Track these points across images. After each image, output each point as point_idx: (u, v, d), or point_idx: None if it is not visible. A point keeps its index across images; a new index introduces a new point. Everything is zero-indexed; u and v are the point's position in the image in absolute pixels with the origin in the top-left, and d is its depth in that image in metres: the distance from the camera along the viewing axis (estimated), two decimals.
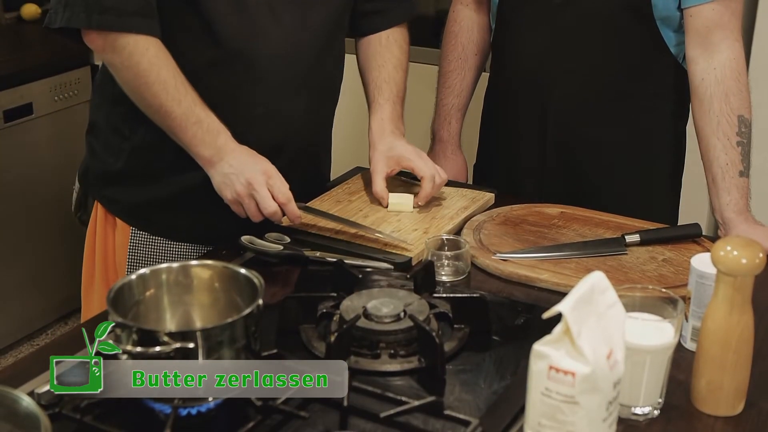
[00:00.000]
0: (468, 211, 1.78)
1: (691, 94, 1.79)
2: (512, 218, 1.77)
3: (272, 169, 1.62)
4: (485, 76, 2.08)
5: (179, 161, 1.67)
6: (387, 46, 1.91)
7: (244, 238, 1.61)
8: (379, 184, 1.77)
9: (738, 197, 1.74)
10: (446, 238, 1.61)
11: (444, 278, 1.55)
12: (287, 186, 1.61)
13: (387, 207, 1.76)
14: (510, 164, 2.00)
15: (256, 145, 1.66)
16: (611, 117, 1.89)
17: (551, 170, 1.94)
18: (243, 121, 1.68)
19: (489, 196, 1.85)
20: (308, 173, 1.86)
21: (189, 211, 1.76)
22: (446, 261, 1.56)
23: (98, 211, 1.81)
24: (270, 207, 1.59)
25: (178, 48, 1.62)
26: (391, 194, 1.77)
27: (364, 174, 1.95)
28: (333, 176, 2.00)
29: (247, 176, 1.59)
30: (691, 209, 2.09)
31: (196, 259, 1.72)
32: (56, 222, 3.25)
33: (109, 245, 1.81)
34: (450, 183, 1.90)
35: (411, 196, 1.77)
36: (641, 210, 1.83)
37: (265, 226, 1.64)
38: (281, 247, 1.60)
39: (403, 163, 1.79)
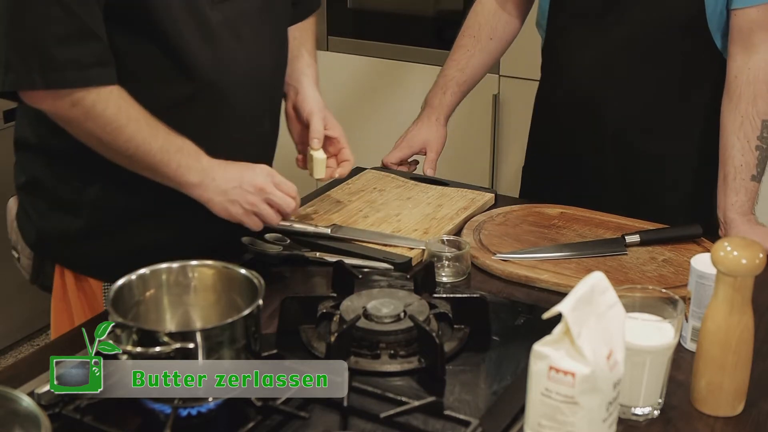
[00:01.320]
0: (468, 212, 1.78)
1: (724, 89, 1.78)
2: (512, 219, 1.77)
3: (270, 169, 1.59)
4: (528, 89, 2.04)
5: (145, 207, 1.61)
6: (299, 37, 1.83)
7: (245, 239, 1.61)
8: (318, 131, 1.72)
9: (745, 199, 1.73)
10: (446, 239, 1.61)
11: (444, 279, 1.55)
12: (290, 181, 1.59)
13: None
14: (565, 183, 1.98)
15: None
16: (670, 129, 1.88)
17: (612, 185, 1.93)
18: (217, 150, 1.57)
19: (489, 197, 1.85)
20: None
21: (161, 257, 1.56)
22: (446, 262, 1.56)
23: (64, 273, 1.67)
24: (290, 204, 1.56)
25: (145, 88, 1.53)
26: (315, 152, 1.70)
27: (363, 174, 1.95)
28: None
29: (255, 183, 1.54)
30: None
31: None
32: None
33: (89, 305, 1.69)
34: (451, 183, 1.90)
35: (323, 160, 1.71)
36: (709, 219, 1.81)
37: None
38: (281, 248, 1.60)
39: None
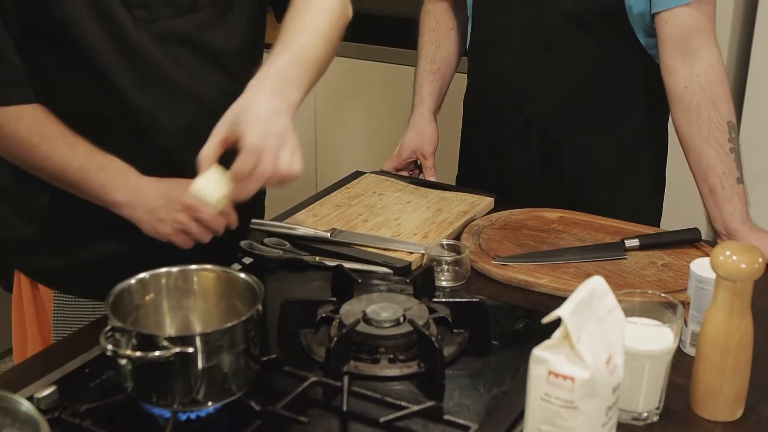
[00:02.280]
0: (467, 216, 1.78)
1: (673, 103, 1.77)
2: (512, 223, 1.77)
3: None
4: (461, 82, 2.07)
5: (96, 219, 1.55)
6: (303, 9, 1.56)
7: (243, 243, 1.61)
8: (207, 147, 1.36)
9: (740, 206, 1.72)
10: (446, 243, 1.61)
11: (444, 283, 1.55)
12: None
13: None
14: (496, 171, 1.99)
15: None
16: (591, 120, 1.89)
17: (538, 176, 1.94)
18: (153, 171, 1.53)
19: (488, 201, 1.85)
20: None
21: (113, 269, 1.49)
22: (446, 266, 1.56)
23: (21, 278, 1.66)
24: (220, 223, 1.49)
25: (71, 106, 1.48)
26: (200, 178, 1.37)
27: (363, 178, 1.95)
28: (332, 181, 2.00)
29: (182, 201, 1.47)
30: (682, 214, 2.08)
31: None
32: None
33: (40, 312, 1.67)
34: (450, 187, 1.90)
35: (222, 184, 1.36)
36: (627, 211, 1.83)
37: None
38: (280, 252, 1.61)
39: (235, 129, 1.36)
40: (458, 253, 1.58)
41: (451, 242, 1.62)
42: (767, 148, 2.48)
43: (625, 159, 1.93)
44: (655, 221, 1.99)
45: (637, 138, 1.92)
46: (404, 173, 2.02)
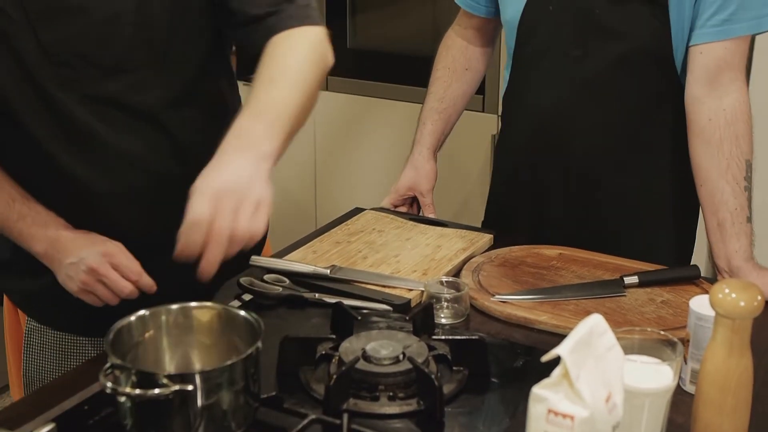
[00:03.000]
0: (467, 253, 1.78)
1: (694, 134, 1.77)
2: (511, 260, 1.78)
3: (114, 248, 1.51)
4: (484, 119, 2.09)
5: None
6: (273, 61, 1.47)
7: (243, 280, 1.61)
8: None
9: (747, 244, 1.73)
10: (446, 280, 1.61)
11: (443, 320, 1.55)
12: (135, 261, 1.51)
13: None
14: (530, 214, 1.99)
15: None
16: (632, 164, 1.89)
17: (575, 220, 1.94)
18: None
19: (488, 237, 1.86)
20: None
21: (70, 301, 1.57)
22: (445, 303, 1.56)
23: (6, 304, 1.72)
24: (124, 288, 1.49)
25: (13, 173, 1.53)
26: None
27: (363, 215, 1.96)
28: (331, 217, 2.01)
29: (88, 263, 1.48)
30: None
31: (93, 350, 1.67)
32: None
33: (10, 337, 1.72)
34: (449, 224, 1.91)
35: None
36: (662, 254, 1.83)
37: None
38: (280, 289, 1.61)
39: None
40: (457, 290, 1.58)
41: (450, 279, 1.62)
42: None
43: (664, 203, 1.93)
44: (686, 262, 1.99)
45: (676, 183, 1.91)
46: (402, 209, 2.03)
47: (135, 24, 1.47)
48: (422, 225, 1.91)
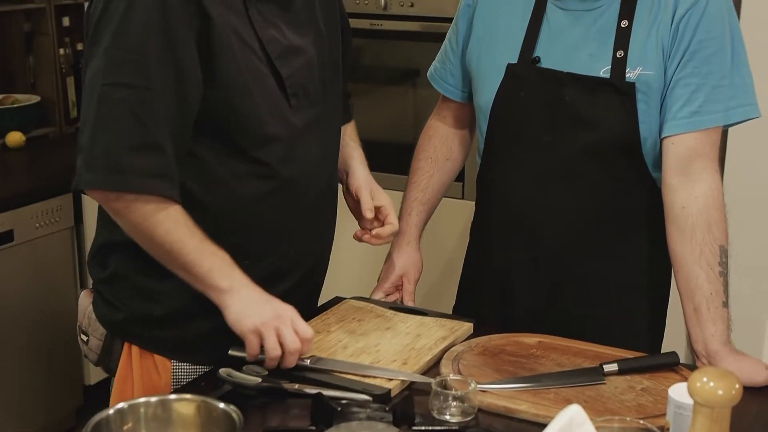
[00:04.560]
0: (447, 341, 1.78)
1: (669, 221, 1.80)
2: (491, 348, 1.78)
3: (294, 311, 1.65)
4: (463, 206, 2.11)
5: None
6: (348, 133, 2.02)
7: (222, 371, 1.60)
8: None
9: (723, 328, 1.74)
10: (453, 378, 1.59)
11: (449, 418, 1.51)
12: (309, 328, 1.64)
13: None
14: (501, 298, 1.99)
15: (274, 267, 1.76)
16: (602, 250, 1.91)
17: (545, 304, 1.94)
18: (289, 239, 1.78)
19: (467, 326, 1.86)
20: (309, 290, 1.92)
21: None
22: (453, 402, 1.53)
23: (132, 352, 1.78)
24: (294, 343, 1.60)
25: (222, 186, 1.69)
26: None
27: (343, 304, 1.96)
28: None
29: (276, 310, 1.62)
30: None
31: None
32: (35, 349, 3.23)
33: (152, 383, 1.78)
34: (429, 313, 1.91)
35: None
36: (630, 338, 1.84)
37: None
38: (260, 380, 1.60)
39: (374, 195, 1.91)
40: (465, 388, 1.53)
41: (457, 378, 1.59)
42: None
43: (636, 289, 1.94)
44: (656, 347, 2.00)
45: (645, 269, 1.93)
46: (392, 297, 2.04)
47: (319, 66, 1.81)
48: (402, 314, 1.91)
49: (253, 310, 1.62)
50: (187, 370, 1.79)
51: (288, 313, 1.63)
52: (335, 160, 1.91)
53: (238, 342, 1.64)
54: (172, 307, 1.75)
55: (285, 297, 1.69)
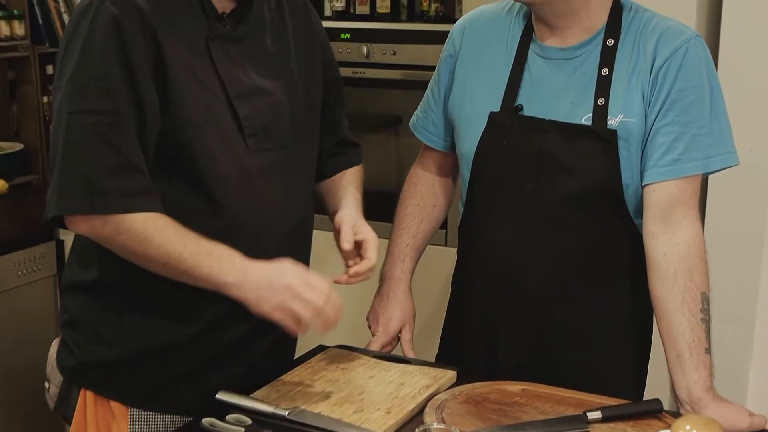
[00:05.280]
0: (430, 390, 1.78)
1: (651, 268, 1.82)
2: (474, 396, 1.77)
3: (302, 269, 1.66)
4: (447, 253, 2.11)
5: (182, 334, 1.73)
6: (347, 177, 2.02)
7: (205, 421, 1.60)
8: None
9: (706, 375, 1.75)
10: (436, 427, 1.57)
11: None
12: (323, 277, 1.66)
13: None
14: (485, 345, 1.99)
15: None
16: (585, 297, 1.91)
17: (529, 351, 1.94)
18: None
19: (451, 374, 1.86)
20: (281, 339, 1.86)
21: (201, 381, 1.76)
22: None
23: (87, 399, 1.78)
24: (317, 299, 1.62)
25: (183, 224, 1.66)
26: None
27: (327, 352, 1.95)
28: (296, 353, 2.00)
29: (283, 282, 1.62)
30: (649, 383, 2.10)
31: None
32: (13, 400, 3.20)
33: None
34: (413, 361, 1.91)
35: None
36: (613, 386, 1.84)
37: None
38: (242, 429, 1.59)
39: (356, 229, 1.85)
40: None
41: (441, 426, 1.58)
42: None
43: (616, 335, 1.95)
44: (640, 394, 1.99)
45: (628, 315, 1.94)
46: (388, 348, 2.03)
47: (290, 111, 1.81)
48: (385, 362, 1.91)
49: (265, 292, 1.62)
50: (147, 418, 1.76)
51: (296, 280, 1.62)
52: (306, 205, 1.89)
53: (204, 389, 1.65)
54: (127, 351, 1.74)
55: (250, 341, 1.73)
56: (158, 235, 1.60)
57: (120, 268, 1.68)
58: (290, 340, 1.92)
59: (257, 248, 1.70)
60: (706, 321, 1.77)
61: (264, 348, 1.81)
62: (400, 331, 2.04)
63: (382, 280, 2.08)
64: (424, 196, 2.11)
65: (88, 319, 1.78)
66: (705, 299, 1.77)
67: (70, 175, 1.59)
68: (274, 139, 1.78)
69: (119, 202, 1.59)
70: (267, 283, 1.62)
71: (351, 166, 2.05)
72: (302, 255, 1.87)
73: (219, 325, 1.75)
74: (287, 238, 1.81)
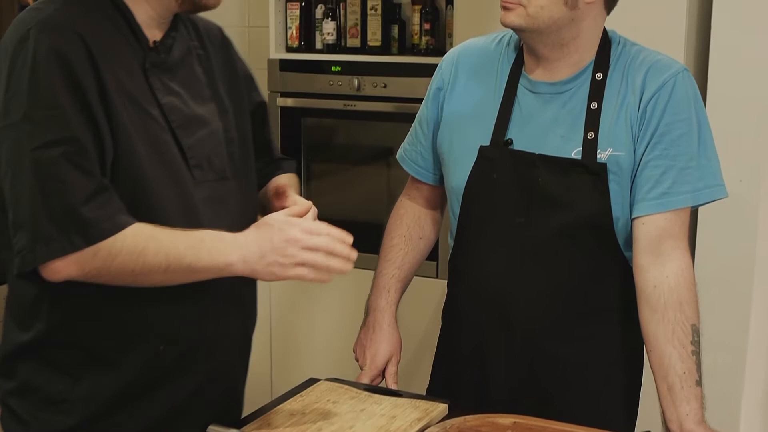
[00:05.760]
0: (422, 423, 1.77)
1: (641, 301, 1.82)
2: (466, 429, 1.77)
3: (291, 219, 1.64)
4: (437, 285, 2.11)
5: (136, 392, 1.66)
6: (278, 177, 1.96)
7: None
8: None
9: (697, 407, 1.76)
10: None
11: None
12: (319, 224, 1.64)
13: None
14: (474, 379, 1.99)
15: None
16: (576, 331, 1.91)
17: (519, 384, 1.94)
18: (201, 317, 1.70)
19: (442, 407, 1.85)
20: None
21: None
22: None
23: None
24: (325, 241, 1.61)
25: None
26: None
27: (317, 386, 1.95)
28: (287, 387, 1.99)
29: (284, 237, 1.60)
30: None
31: None
32: None
33: None
34: (404, 394, 1.90)
35: None
36: (603, 419, 1.83)
37: None
38: None
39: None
40: None
41: None
42: None
43: (606, 369, 1.95)
44: (631, 427, 1.99)
45: (619, 348, 1.94)
46: (377, 381, 2.03)
47: (225, 139, 1.76)
48: (376, 395, 1.90)
49: (272, 257, 1.60)
50: None
51: (295, 230, 1.61)
52: None
53: None
54: (84, 416, 1.64)
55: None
56: (152, 242, 1.55)
57: (69, 322, 1.62)
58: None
59: (207, 280, 1.64)
60: (697, 353, 1.77)
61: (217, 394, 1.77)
62: (386, 364, 2.04)
63: (368, 312, 2.09)
64: (410, 228, 2.11)
65: (40, 383, 1.65)
66: (695, 331, 1.77)
67: (50, 215, 1.50)
68: (216, 170, 1.73)
69: (107, 227, 1.52)
70: (269, 246, 1.60)
71: (283, 173, 1.99)
72: (249, 283, 1.79)
73: (183, 370, 1.70)
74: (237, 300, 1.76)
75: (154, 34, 1.68)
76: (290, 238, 1.60)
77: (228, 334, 1.76)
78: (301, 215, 1.69)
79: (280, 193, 1.81)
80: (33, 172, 1.50)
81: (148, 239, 1.55)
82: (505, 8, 1.82)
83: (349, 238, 1.66)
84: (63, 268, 1.52)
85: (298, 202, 1.75)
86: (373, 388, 1.95)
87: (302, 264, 1.61)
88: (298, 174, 3.23)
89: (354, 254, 1.65)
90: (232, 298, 1.76)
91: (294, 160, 2.05)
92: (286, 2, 3.38)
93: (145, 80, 1.64)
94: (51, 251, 1.50)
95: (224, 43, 1.88)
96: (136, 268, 1.55)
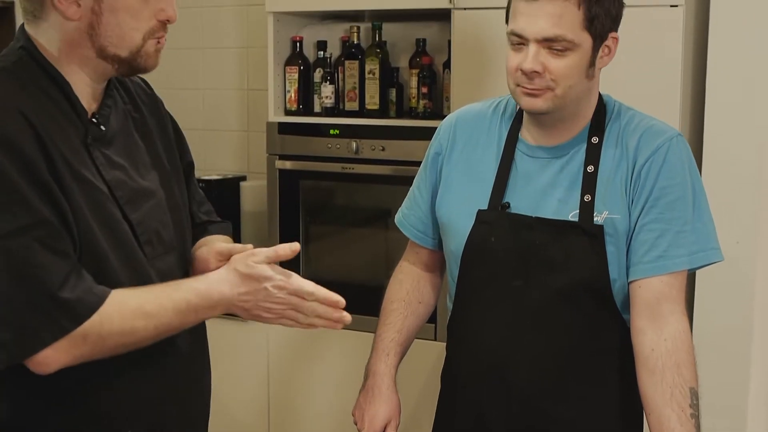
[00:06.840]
0: None
1: (639, 363, 1.82)
2: None
3: (265, 273, 1.61)
4: (436, 347, 2.10)
5: None
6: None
7: None
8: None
9: None
10: None
11: None
12: (290, 273, 1.64)
13: None
14: None
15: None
16: (574, 393, 1.90)
17: None
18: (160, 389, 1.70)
19: None
20: None
21: None
22: None
23: None
24: (285, 307, 1.62)
25: None
26: None
27: None
28: None
29: (274, 284, 1.61)
30: None
31: None
32: None
33: None
34: None
35: None
36: None
37: None
38: None
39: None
40: None
41: None
42: None
43: (607, 429, 1.93)
44: None
45: (618, 411, 1.93)
46: None
47: (169, 207, 1.74)
48: None
49: (252, 305, 1.61)
50: None
51: (264, 283, 1.60)
52: None
53: None
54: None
55: None
56: (140, 319, 1.54)
57: (31, 406, 1.57)
58: None
59: (165, 341, 1.63)
60: (696, 416, 1.76)
61: None
62: (385, 428, 2.02)
63: (367, 375, 2.08)
64: (410, 292, 2.11)
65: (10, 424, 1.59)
66: (694, 394, 1.77)
67: (28, 305, 1.46)
68: (165, 242, 1.71)
69: (91, 300, 1.49)
70: (252, 304, 1.62)
71: (218, 233, 1.93)
72: (201, 345, 1.82)
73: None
74: (191, 332, 1.72)
75: (90, 104, 1.63)
76: (268, 299, 1.62)
77: (192, 402, 1.79)
78: (276, 260, 1.66)
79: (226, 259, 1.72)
80: (5, 263, 1.45)
81: (135, 316, 1.54)
82: (530, 95, 1.82)
83: (342, 302, 1.66)
84: (54, 359, 1.49)
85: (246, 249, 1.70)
86: None
87: (288, 310, 1.64)
88: (297, 236, 3.28)
89: (347, 317, 1.67)
90: (189, 377, 1.77)
91: (229, 223, 2.00)
92: (285, 66, 3.41)
93: (88, 156, 1.59)
94: (41, 341, 1.47)
95: (153, 101, 1.83)
96: (128, 343, 1.56)
